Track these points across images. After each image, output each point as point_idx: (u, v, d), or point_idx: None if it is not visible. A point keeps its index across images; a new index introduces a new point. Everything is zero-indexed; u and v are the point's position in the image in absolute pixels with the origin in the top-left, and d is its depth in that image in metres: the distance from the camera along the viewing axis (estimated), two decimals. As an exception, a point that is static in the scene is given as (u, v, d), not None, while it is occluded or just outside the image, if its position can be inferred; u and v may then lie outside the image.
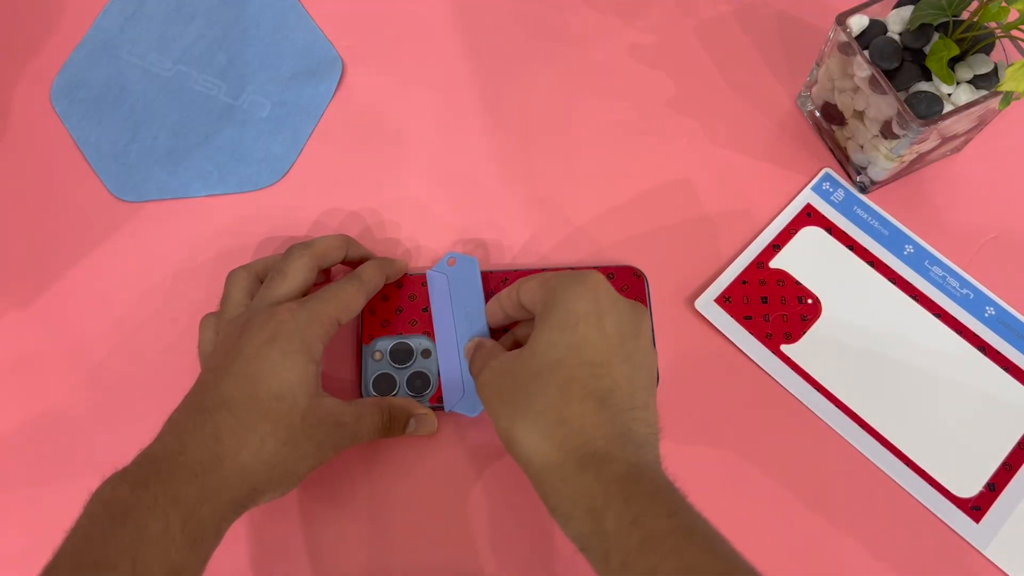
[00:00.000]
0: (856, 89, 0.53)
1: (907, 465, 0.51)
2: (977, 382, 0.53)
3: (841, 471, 0.51)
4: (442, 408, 0.51)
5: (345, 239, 0.51)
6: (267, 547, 0.50)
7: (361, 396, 0.51)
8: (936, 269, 0.55)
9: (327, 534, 0.50)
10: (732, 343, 0.54)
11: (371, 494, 0.51)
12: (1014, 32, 0.48)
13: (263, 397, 0.43)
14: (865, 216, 0.57)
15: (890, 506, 0.51)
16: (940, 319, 0.54)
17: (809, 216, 0.57)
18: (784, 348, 0.54)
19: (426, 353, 0.52)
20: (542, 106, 0.60)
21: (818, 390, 0.53)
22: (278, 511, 0.50)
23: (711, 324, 0.54)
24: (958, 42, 0.49)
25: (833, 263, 0.56)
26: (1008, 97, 0.48)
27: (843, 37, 0.51)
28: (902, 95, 0.50)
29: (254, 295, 0.49)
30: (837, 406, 0.52)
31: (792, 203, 0.57)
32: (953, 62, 0.50)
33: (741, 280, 0.55)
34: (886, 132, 0.52)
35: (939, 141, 0.53)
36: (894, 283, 0.55)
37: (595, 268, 0.50)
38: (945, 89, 0.50)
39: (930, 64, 0.49)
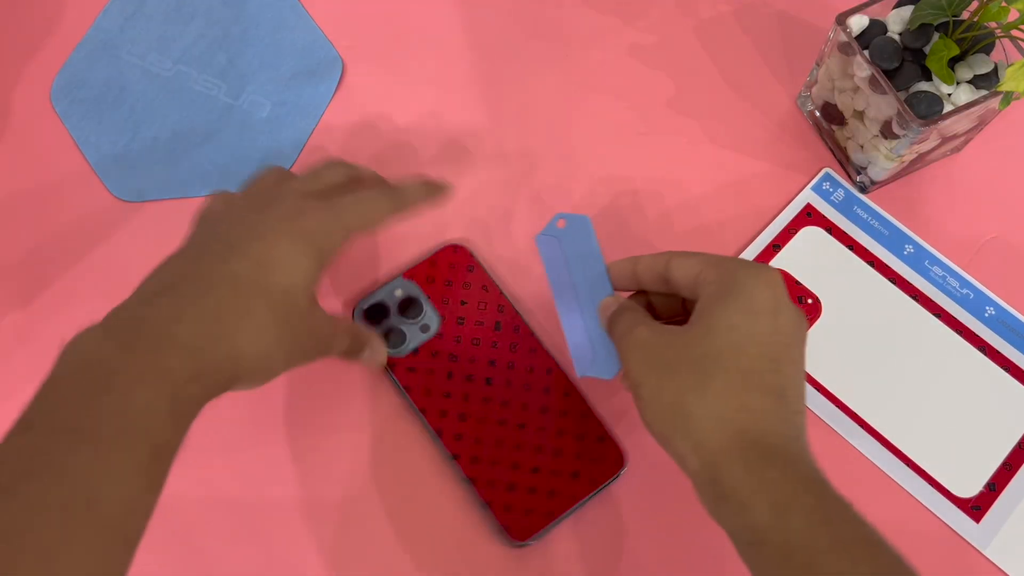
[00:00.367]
0: (856, 89, 0.53)
1: (907, 465, 0.51)
2: (977, 382, 0.53)
3: (841, 471, 0.51)
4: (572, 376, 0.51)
5: (378, 176, 0.50)
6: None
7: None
8: (936, 269, 0.55)
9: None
10: (732, 343, 0.54)
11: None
12: (1014, 32, 0.48)
13: (271, 287, 0.41)
14: (865, 216, 0.57)
15: (890, 506, 0.51)
16: (940, 319, 0.54)
17: (809, 216, 0.57)
18: (784, 348, 0.54)
19: (405, 307, 0.53)
20: (542, 106, 0.60)
21: (818, 390, 0.53)
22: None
23: (711, 324, 0.54)
24: (958, 42, 0.49)
25: (833, 263, 0.56)
26: (1008, 97, 0.48)
27: (843, 37, 0.51)
28: (902, 95, 0.50)
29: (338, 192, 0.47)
30: (837, 406, 0.52)
31: (792, 203, 0.57)
32: (953, 62, 0.50)
33: (741, 280, 0.55)
34: (886, 132, 0.52)
35: (939, 141, 0.53)
36: (894, 283, 0.55)
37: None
38: (945, 89, 0.50)
39: (930, 64, 0.49)
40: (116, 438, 0.35)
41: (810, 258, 0.56)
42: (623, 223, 0.57)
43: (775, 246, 0.56)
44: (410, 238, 0.56)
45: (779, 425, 0.39)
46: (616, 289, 0.48)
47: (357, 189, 0.48)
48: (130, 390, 0.36)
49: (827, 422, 0.52)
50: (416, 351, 0.52)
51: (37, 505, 0.33)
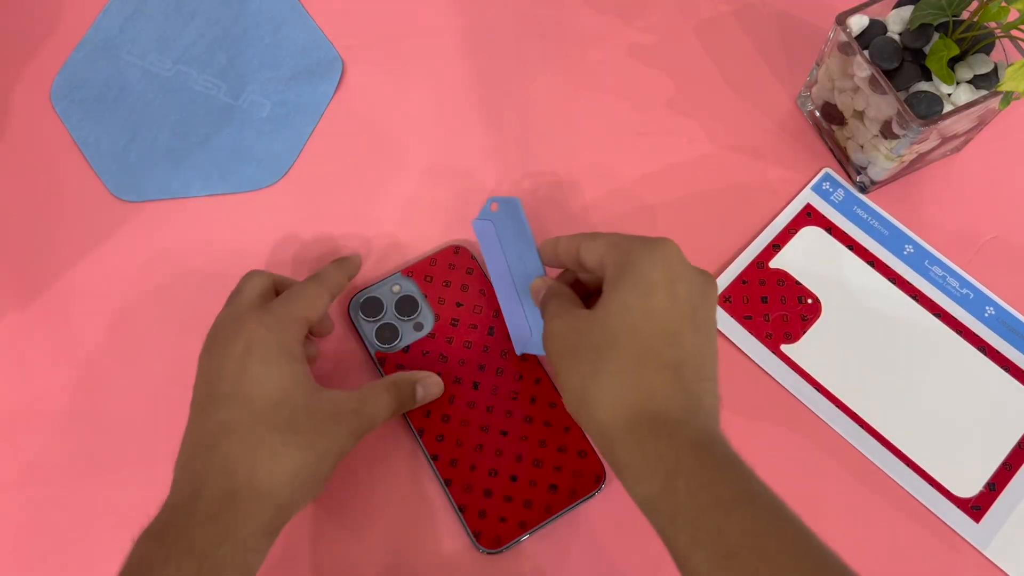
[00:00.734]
0: (856, 89, 0.53)
1: (907, 465, 0.51)
2: (977, 382, 0.53)
3: (841, 471, 0.51)
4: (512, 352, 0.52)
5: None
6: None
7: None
8: (936, 269, 0.55)
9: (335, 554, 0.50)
10: (732, 343, 0.54)
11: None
12: (1014, 32, 0.48)
13: (261, 410, 0.43)
14: (865, 216, 0.57)
15: (890, 506, 0.51)
16: (940, 319, 0.54)
17: (809, 216, 0.57)
18: (784, 348, 0.54)
19: (401, 305, 0.53)
20: (542, 106, 0.60)
21: (818, 390, 0.53)
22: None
23: (711, 324, 0.54)
24: (958, 42, 0.49)
25: (833, 263, 0.56)
26: (1008, 97, 0.48)
27: (843, 37, 0.51)
28: (902, 95, 0.50)
29: (265, 299, 0.48)
30: (837, 406, 0.52)
31: (792, 203, 0.57)
32: (953, 62, 0.50)
33: (741, 280, 0.55)
34: (886, 132, 0.52)
35: (939, 141, 0.53)
36: (894, 283, 0.55)
37: None
38: (945, 89, 0.50)
39: (930, 64, 0.49)
40: None
41: (810, 258, 0.56)
42: (622, 222, 0.57)
43: (775, 246, 0.56)
44: (411, 237, 0.56)
45: (673, 397, 0.40)
46: (547, 266, 0.51)
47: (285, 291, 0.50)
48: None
49: (827, 422, 0.52)
50: (407, 349, 0.52)
51: None
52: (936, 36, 0.50)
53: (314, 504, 0.50)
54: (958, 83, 0.50)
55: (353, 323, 0.53)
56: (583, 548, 0.50)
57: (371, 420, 0.46)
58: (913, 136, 0.50)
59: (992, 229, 0.57)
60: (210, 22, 0.62)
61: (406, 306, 0.53)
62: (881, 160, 0.54)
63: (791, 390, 0.53)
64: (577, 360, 0.43)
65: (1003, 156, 0.58)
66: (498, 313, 0.53)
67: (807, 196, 0.57)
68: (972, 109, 0.49)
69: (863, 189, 0.57)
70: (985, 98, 0.49)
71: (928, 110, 0.49)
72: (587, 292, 0.50)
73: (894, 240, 0.56)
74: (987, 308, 0.54)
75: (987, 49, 0.50)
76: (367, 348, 0.53)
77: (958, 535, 0.50)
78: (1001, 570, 0.49)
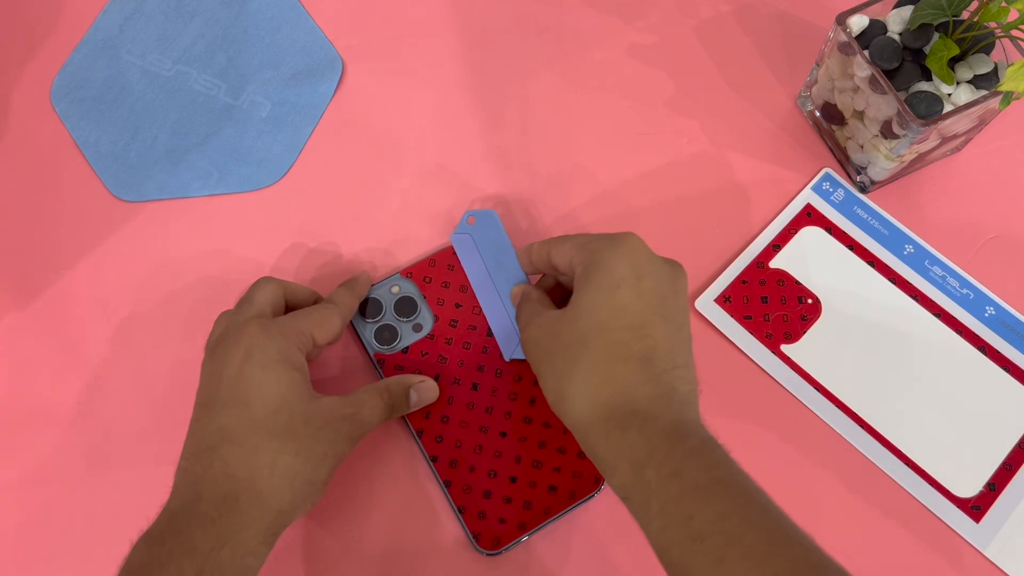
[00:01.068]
0: (856, 89, 0.53)
1: (907, 465, 0.51)
2: (977, 382, 0.53)
3: (841, 471, 0.51)
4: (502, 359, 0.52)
5: (314, 292, 0.52)
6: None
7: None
8: (936, 269, 0.55)
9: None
10: (732, 343, 0.54)
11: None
12: (1014, 32, 0.48)
13: (260, 416, 0.43)
14: (865, 216, 0.57)
15: (890, 506, 0.51)
16: (940, 319, 0.54)
17: (809, 216, 0.57)
18: (784, 348, 0.54)
19: (401, 306, 0.53)
20: (542, 106, 0.60)
21: (818, 390, 0.53)
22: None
23: (711, 324, 0.54)
24: (958, 42, 0.49)
25: (833, 263, 0.56)
26: (1008, 97, 0.48)
27: (843, 37, 0.51)
28: (902, 95, 0.50)
29: (275, 307, 0.49)
30: (837, 406, 0.52)
31: (792, 203, 0.57)
32: (953, 62, 0.50)
33: (741, 280, 0.55)
34: (886, 132, 0.52)
35: (939, 141, 0.53)
36: (894, 283, 0.55)
37: None
38: (945, 89, 0.50)
39: (930, 64, 0.49)
40: None
41: (810, 258, 0.56)
42: (622, 222, 0.57)
43: (775, 246, 0.56)
44: (411, 237, 0.56)
45: (644, 388, 0.41)
46: (526, 273, 0.52)
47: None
48: None
49: (827, 422, 0.52)
50: (406, 350, 0.52)
51: None
52: (936, 36, 0.50)
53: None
54: (958, 83, 0.50)
55: (352, 324, 0.53)
56: (582, 549, 0.50)
57: (365, 425, 0.47)
58: (913, 136, 0.50)
59: (992, 229, 0.57)
60: (210, 22, 0.62)
61: (405, 307, 0.53)
62: (881, 160, 0.54)
63: (791, 390, 0.53)
64: (552, 361, 0.44)
65: (1003, 156, 0.58)
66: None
67: (807, 196, 0.57)
68: (972, 109, 0.49)
69: (863, 189, 0.57)
70: (985, 98, 0.49)
71: (928, 110, 0.49)
72: (568, 294, 0.50)
73: (894, 240, 0.56)
74: (987, 308, 0.54)
75: (987, 49, 0.50)
76: (366, 349, 0.53)
77: (958, 535, 0.50)
78: (1001, 570, 0.49)
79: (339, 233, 0.56)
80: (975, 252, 0.56)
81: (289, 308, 0.50)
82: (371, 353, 0.52)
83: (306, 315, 0.48)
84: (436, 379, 0.51)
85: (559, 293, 0.51)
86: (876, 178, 0.56)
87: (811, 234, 0.56)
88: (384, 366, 0.52)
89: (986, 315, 0.54)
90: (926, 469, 0.51)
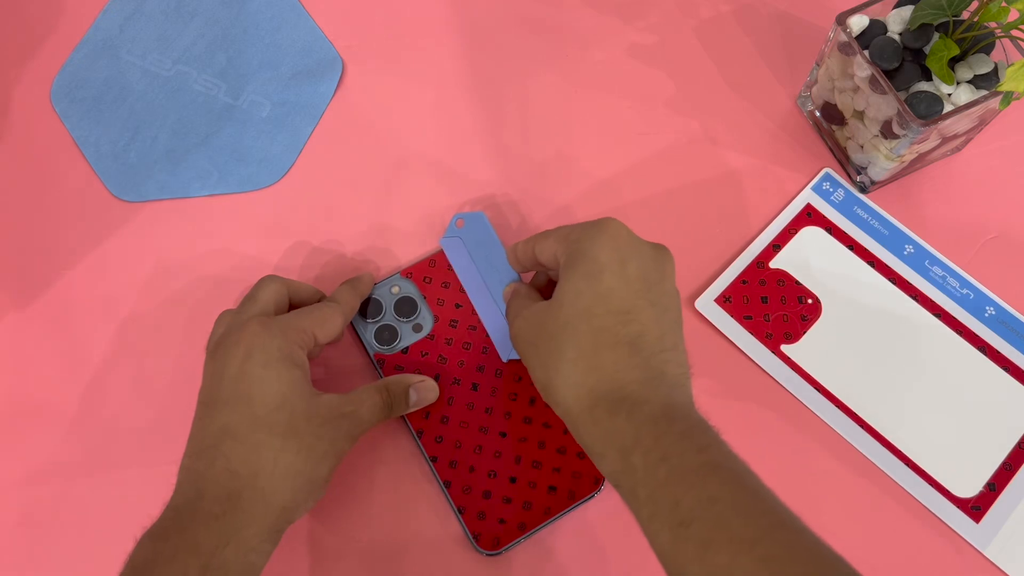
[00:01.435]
0: (856, 89, 0.53)
1: (907, 465, 0.51)
2: (977, 382, 0.53)
3: (841, 471, 0.51)
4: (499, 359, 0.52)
5: (318, 290, 0.52)
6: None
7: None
8: (936, 269, 0.55)
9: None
10: (732, 343, 0.54)
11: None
12: (1014, 32, 0.48)
13: (261, 413, 0.43)
14: (865, 216, 0.57)
15: (890, 506, 0.51)
16: (940, 319, 0.54)
17: (809, 216, 0.57)
18: (784, 348, 0.54)
19: (401, 306, 0.53)
20: (542, 106, 0.60)
21: (818, 390, 0.53)
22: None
23: (711, 324, 0.54)
24: (958, 42, 0.49)
25: (833, 263, 0.56)
26: (1008, 97, 0.48)
27: (843, 37, 0.51)
28: (902, 95, 0.50)
29: (279, 305, 0.49)
30: (837, 406, 0.52)
31: (792, 203, 0.57)
32: (953, 62, 0.50)
33: (741, 280, 0.55)
34: (886, 132, 0.52)
35: (939, 141, 0.53)
36: (894, 283, 0.55)
37: None
38: (945, 89, 0.50)
39: (930, 64, 0.49)
40: None
41: (810, 258, 0.56)
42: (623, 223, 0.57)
43: (775, 246, 0.56)
44: (411, 237, 0.56)
45: (632, 372, 0.41)
46: (517, 273, 0.52)
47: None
48: (162, 574, 0.39)
49: (827, 422, 0.52)
50: (406, 350, 0.52)
51: None
52: (936, 36, 0.50)
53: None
54: (958, 83, 0.50)
55: (352, 324, 0.53)
56: (582, 550, 0.50)
57: (364, 423, 0.47)
58: (913, 136, 0.50)
59: (992, 229, 0.57)
60: (210, 22, 0.62)
61: (405, 307, 0.53)
62: (881, 160, 0.54)
63: (791, 390, 0.53)
64: (539, 352, 0.44)
65: (1003, 156, 0.58)
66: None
67: (807, 196, 0.57)
68: (972, 109, 0.49)
69: (863, 189, 0.57)
70: (985, 98, 0.49)
71: (928, 110, 0.49)
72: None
73: (894, 240, 0.56)
74: (987, 308, 0.54)
75: (987, 49, 0.50)
76: (366, 349, 0.53)
77: (958, 535, 0.50)
78: (1001, 570, 0.49)
79: (339, 233, 0.57)
80: (975, 252, 0.56)
81: (293, 306, 0.50)
82: (371, 353, 0.52)
83: (308, 313, 0.48)
84: (436, 379, 0.51)
85: (551, 289, 0.51)
86: (876, 178, 0.56)
87: (811, 234, 0.56)
88: (384, 366, 0.52)
89: (986, 315, 0.54)
90: (926, 469, 0.51)
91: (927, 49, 0.50)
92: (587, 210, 0.57)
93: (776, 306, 0.55)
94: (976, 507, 0.50)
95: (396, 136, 0.59)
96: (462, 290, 0.54)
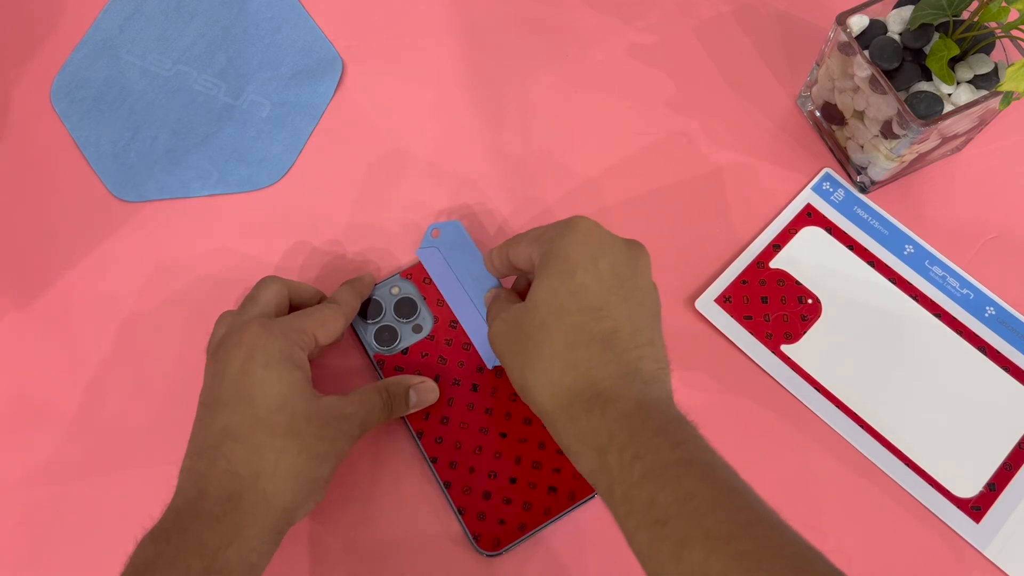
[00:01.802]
0: (856, 89, 0.53)
1: (907, 465, 0.51)
2: (977, 382, 0.53)
3: (841, 471, 0.51)
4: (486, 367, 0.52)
5: (318, 291, 0.52)
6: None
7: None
8: (936, 269, 0.55)
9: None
10: (732, 343, 0.54)
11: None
12: (1014, 32, 0.48)
13: (262, 414, 0.43)
14: (865, 216, 0.57)
15: (890, 506, 0.51)
16: (940, 319, 0.54)
17: (809, 216, 0.57)
18: (784, 348, 0.54)
19: (400, 307, 0.53)
20: (542, 106, 0.60)
21: (818, 390, 0.53)
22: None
23: (711, 324, 0.54)
24: (958, 42, 0.49)
25: (833, 263, 0.56)
26: (1008, 97, 0.48)
27: (843, 37, 0.51)
28: (902, 95, 0.50)
29: (280, 306, 0.49)
30: (837, 406, 0.52)
31: (792, 203, 0.57)
32: (953, 62, 0.50)
33: (741, 280, 0.55)
34: (886, 132, 0.52)
35: (939, 141, 0.53)
36: (894, 283, 0.55)
37: None
38: (945, 89, 0.50)
39: (930, 64, 0.49)
40: None
41: (810, 258, 0.56)
42: (621, 223, 0.57)
43: (775, 246, 0.56)
44: (410, 238, 0.56)
45: (605, 369, 0.41)
46: (497, 278, 0.52)
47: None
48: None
49: (827, 422, 0.52)
50: (406, 351, 0.52)
51: None
52: (936, 36, 0.50)
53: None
54: (958, 83, 0.50)
55: (352, 325, 0.53)
56: (582, 550, 0.50)
57: (364, 424, 0.47)
58: (913, 136, 0.50)
59: (992, 229, 0.57)
60: (210, 22, 0.62)
61: (405, 308, 0.53)
62: (881, 160, 0.54)
63: (791, 390, 0.53)
64: (516, 353, 0.43)
65: (1003, 156, 0.58)
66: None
67: (807, 196, 0.57)
68: (972, 109, 0.49)
69: (863, 189, 0.57)
70: (985, 98, 0.49)
71: (928, 110, 0.49)
72: None
73: (894, 240, 0.56)
74: (987, 308, 0.54)
75: (987, 49, 0.50)
76: (366, 350, 0.53)
77: (958, 535, 0.50)
78: (1001, 570, 0.49)
79: (339, 233, 0.57)
80: (975, 252, 0.56)
81: (293, 307, 0.50)
82: (371, 354, 0.52)
83: (309, 315, 0.48)
84: (436, 380, 0.51)
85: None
86: (876, 178, 0.56)
87: (811, 234, 0.56)
88: (384, 367, 0.52)
89: (986, 315, 0.54)
90: (926, 469, 0.51)
91: (927, 49, 0.50)
92: (587, 210, 0.57)
93: (776, 306, 0.55)
94: (976, 507, 0.50)
95: (396, 136, 0.59)
96: (441, 301, 0.53)
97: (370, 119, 0.60)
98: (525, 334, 0.43)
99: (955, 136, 0.54)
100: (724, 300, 0.55)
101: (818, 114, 0.58)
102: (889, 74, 0.50)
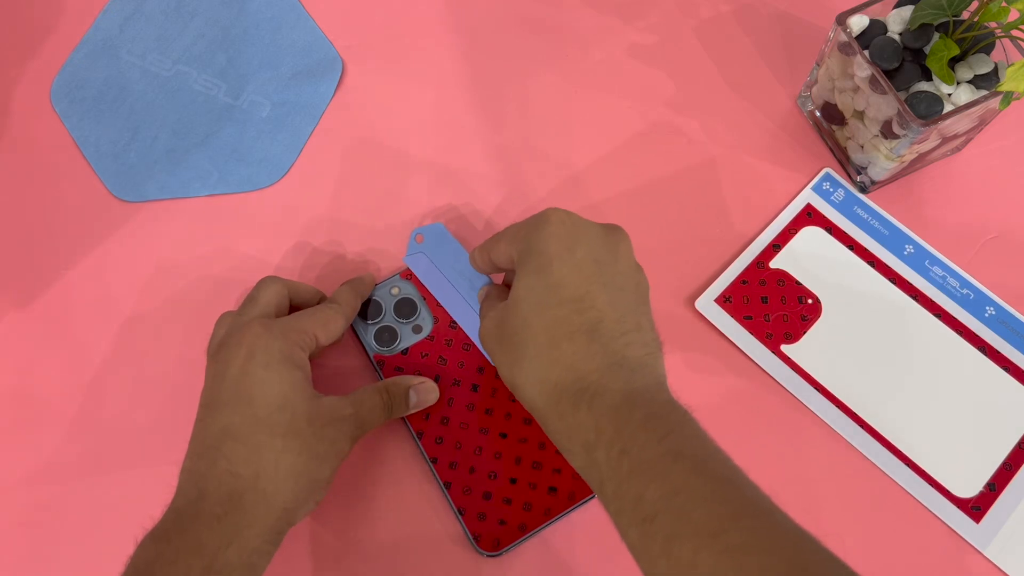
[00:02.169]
0: (856, 89, 0.53)
1: (907, 465, 0.51)
2: (977, 382, 0.53)
3: (841, 471, 0.51)
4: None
5: (318, 291, 0.52)
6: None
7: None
8: (936, 269, 0.55)
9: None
10: (732, 343, 0.54)
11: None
12: (1014, 32, 0.48)
13: (263, 414, 0.43)
14: (865, 216, 0.57)
15: (890, 506, 0.51)
16: (940, 319, 0.54)
17: (809, 216, 0.57)
18: (784, 348, 0.54)
19: (400, 307, 0.53)
20: (542, 106, 0.60)
21: (818, 390, 0.53)
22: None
23: (711, 324, 0.54)
24: (958, 42, 0.49)
25: (833, 263, 0.56)
26: (1008, 97, 0.48)
27: (843, 37, 0.51)
28: (902, 95, 0.50)
29: (280, 307, 0.49)
30: (837, 406, 0.52)
31: (792, 203, 0.57)
32: (953, 62, 0.50)
33: (741, 280, 0.55)
34: (886, 132, 0.52)
35: (939, 141, 0.53)
36: (894, 283, 0.55)
37: None
38: (945, 89, 0.50)
39: (930, 64, 0.49)
40: None
41: (810, 258, 0.56)
42: (621, 223, 0.57)
43: (775, 246, 0.56)
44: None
45: (591, 361, 0.40)
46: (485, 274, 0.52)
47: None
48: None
49: (827, 422, 0.52)
50: (406, 351, 0.52)
51: None
52: (936, 36, 0.50)
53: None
54: (958, 83, 0.50)
55: (352, 325, 0.53)
56: (583, 551, 0.50)
57: (364, 424, 0.47)
58: (913, 136, 0.50)
59: (992, 229, 0.57)
60: (210, 22, 0.62)
61: (405, 308, 0.53)
62: (881, 160, 0.54)
63: (791, 390, 0.53)
64: (503, 351, 0.43)
65: (1003, 156, 0.58)
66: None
67: (807, 196, 0.57)
68: (972, 109, 0.49)
69: (863, 189, 0.57)
70: (985, 98, 0.49)
71: (928, 110, 0.49)
72: None
73: (894, 240, 0.56)
74: (987, 308, 0.54)
75: (987, 49, 0.50)
76: (366, 351, 0.53)
77: (958, 535, 0.50)
78: (1001, 570, 0.49)
79: (339, 233, 0.57)
80: (975, 252, 0.56)
81: (294, 307, 0.50)
82: (371, 355, 0.52)
83: (309, 315, 0.48)
84: (436, 381, 0.51)
85: None
86: (876, 178, 0.56)
87: (811, 234, 0.56)
88: (384, 367, 0.52)
89: (986, 315, 0.54)
90: (926, 469, 0.51)
91: (927, 49, 0.50)
92: (584, 208, 0.57)
93: (776, 306, 0.55)
94: (976, 507, 0.50)
95: (396, 136, 0.59)
96: (438, 305, 0.53)
97: (370, 119, 0.60)
98: (509, 333, 0.43)
99: (955, 136, 0.54)
100: (724, 300, 0.55)
101: (818, 114, 0.58)
102: (889, 74, 0.50)
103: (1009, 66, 0.46)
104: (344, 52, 0.61)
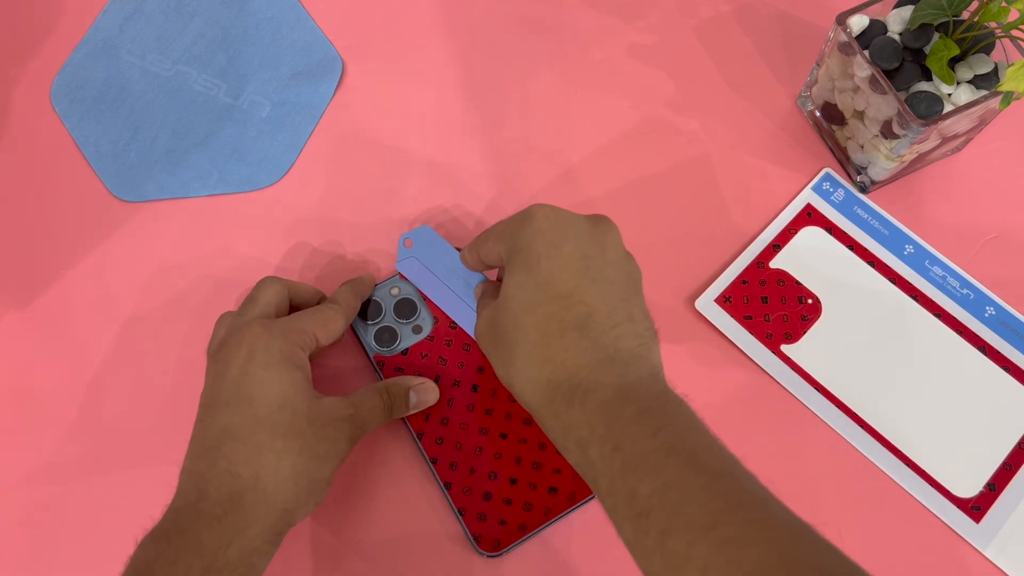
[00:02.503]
0: (856, 89, 0.53)
1: (907, 465, 0.51)
2: (977, 382, 0.53)
3: (841, 471, 0.51)
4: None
5: (318, 291, 0.52)
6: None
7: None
8: (936, 269, 0.55)
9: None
10: (732, 343, 0.54)
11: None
12: (1014, 32, 0.48)
13: (263, 414, 0.43)
14: (865, 216, 0.57)
15: (890, 506, 0.51)
16: (940, 319, 0.54)
17: (809, 216, 0.57)
18: (784, 348, 0.54)
19: (400, 307, 0.53)
20: (542, 105, 0.60)
21: (818, 390, 0.53)
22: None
23: (711, 324, 0.54)
24: (958, 42, 0.49)
25: (833, 263, 0.56)
26: (1008, 97, 0.48)
27: (843, 37, 0.51)
28: (902, 95, 0.50)
29: (280, 307, 0.49)
30: (837, 406, 0.52)
31: (792, 203, 0.57)
32: (953, 62, 0.50)
33: (741, 280, 0.55)
34: (886, 132, 0.52)
35: (939, 141, 0.53)
36: (894, 283, 0.55)
37: None
38: (945, 89, 0.50)
39: (930, 64, 0.49)
40: None
41: (810, 258, 0.56)
42: (620, 223, 0.57)
43: (775, 246, 0.56)
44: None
45: (582, 357, 0.40)
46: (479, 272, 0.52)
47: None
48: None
49: (827, 422, 0.52)
50: (406, 352, 0.52)
51: None
52: (936, 36, 0.50)
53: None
54: (958, 83, 0.50)
55: (352, 326, 0.53)
56: (583, 551, 0.50)
57: (364, 425, 0.47)
58: (913, 136, 0.50)
59: (992, 229, 0.57)
60: (210, 22, 0.62)
61: (405, 309, 0.53)
62: (881, 160, 0.54)
63: (791, 390, 0.53)
64: (497, 351, 0.43)
65: (1003, 156, 0.58)
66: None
67: (807, 196, 0.57)
68: (972, 109, 0.49)
69: (863, 189, 0.57)
70: (985, 98, 0.49)
71: (928, 110, 0.49)
72: None
73: (894, 240, 0.56)
74: (987, 308, 0.54)
75: (987, 49, 0.50)
76: (366, 351, 0.53)
77: (958, 535, 0.50)
78: (1001, 570, 0.49)
79: (340, 233, 0.57)
80: (975, 252, 0.56)
81: (294, 307, 0.50)
82: (371, 355, 0.52)
83: (310, 315, 0.48)
84: (436, 381, 0.51)
85: None
86: (876, 178, 0.56)
87: (811, 234, 0.56)
88: (384, 368, 0.52)
89: (986, 315, 0.54)
90: (926, 469, 0.51)
91: (927, 49, 0.50)
92: (586, 209, 0.57)
93: (776, 306, 0.55)
94: (976, 507, 0.50)
95: (396, 136, 0.59)
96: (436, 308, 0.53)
97: (370, 119, 0.60)
98: (501, 332, 0.43)
99: (955, 136, 0.54)
100: (724, 300, 0.55)
101: (818, 114, 0.58)
102: (889, 74, 0.50)
103: (1009, 66, 0.46)
104: (344, 52, 0.61)
